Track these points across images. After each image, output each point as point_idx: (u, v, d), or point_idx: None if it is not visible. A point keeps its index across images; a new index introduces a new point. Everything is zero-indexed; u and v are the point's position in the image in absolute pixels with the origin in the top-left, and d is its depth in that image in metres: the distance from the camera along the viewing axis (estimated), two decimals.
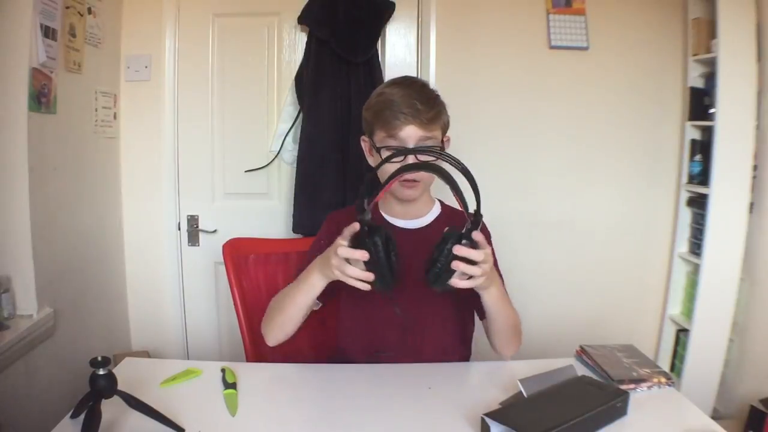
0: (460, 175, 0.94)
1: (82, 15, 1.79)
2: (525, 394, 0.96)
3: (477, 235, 0.94)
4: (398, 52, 2.14)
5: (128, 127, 2.14)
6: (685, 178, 2.18)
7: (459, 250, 0.92)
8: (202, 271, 2.23)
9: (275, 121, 2.15)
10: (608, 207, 2.25)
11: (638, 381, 1.09)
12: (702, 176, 2.08)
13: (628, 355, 1.20)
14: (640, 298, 2.31)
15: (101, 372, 0.88)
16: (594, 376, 1.11)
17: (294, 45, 2.13)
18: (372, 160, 1.24)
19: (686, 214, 2.20)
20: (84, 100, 1.87)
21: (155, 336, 2.24)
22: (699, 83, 2.13)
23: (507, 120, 2.18)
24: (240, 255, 1.52)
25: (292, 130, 2.11)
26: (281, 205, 2.19)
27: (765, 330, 1.97)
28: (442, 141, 1.23)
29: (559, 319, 2.21)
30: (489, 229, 1.31)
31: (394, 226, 1.27)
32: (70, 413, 0.94)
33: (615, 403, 0.96)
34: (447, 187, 0.96)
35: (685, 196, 2.19)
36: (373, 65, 2.04)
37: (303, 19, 2.03)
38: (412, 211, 1.28)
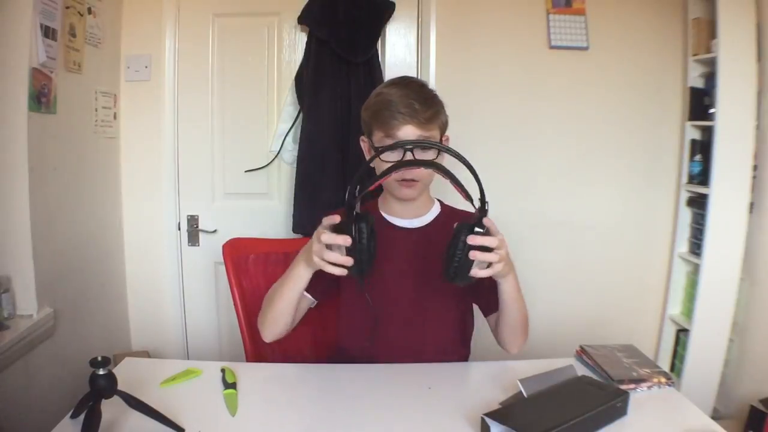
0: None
1: (82, 15, 1.79)
2: (525, 394, 0.96)
3: (488, 221, 0.95)
4: (398, 52, 2.14)
5: (128, 127, 2.14)
6: (685, 178, 2.18)
7: (473, 239, 0.93)
8: (202, 271, 2.23)
9: (275, 121, 2.15)
10: (608, 207, 2.25)
11: (638, 381, 1.09)
12: (702, 176, 2.08)
13: (628, 355, 1.20)
14: (640, 298, 2.31)
15: (101, 372, 0.88)
16: (594, 376, 1.11)
17: (294, 45, 2.13)
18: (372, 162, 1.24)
19: (686, 214, 2.20)
20: (84, 100, 1.87)
21: (155, 336, 2.23)
22: (699, 83, 2.13)
23: (507, 120, 2.17)
24: (240, 255, 1.52)
25: (292, 130, 2.11)
26: (281, 205, 2.19)
27: (765, 330, 1.97)
28: (441, 141, 1.23)
29: (559, 319, 2.21)
30: None
31: (394, 225, 1.27)
32: (70, 413, 0.94)
33: (615, 403, 0.96)
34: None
35: (685, 196, 2.19)
36: (373, 65, 2.04)
37: (303, 19, 2.03)
38: (411, 211, 1.28)
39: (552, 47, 2.14)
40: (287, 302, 1.14)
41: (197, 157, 2.17)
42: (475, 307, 1.32)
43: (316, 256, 0.99)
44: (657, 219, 2.27)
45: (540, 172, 2.21)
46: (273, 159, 2.14)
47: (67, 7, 1.69)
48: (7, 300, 1.50)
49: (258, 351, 1.42)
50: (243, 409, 1.00)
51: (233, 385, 1.06)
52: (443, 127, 1.24)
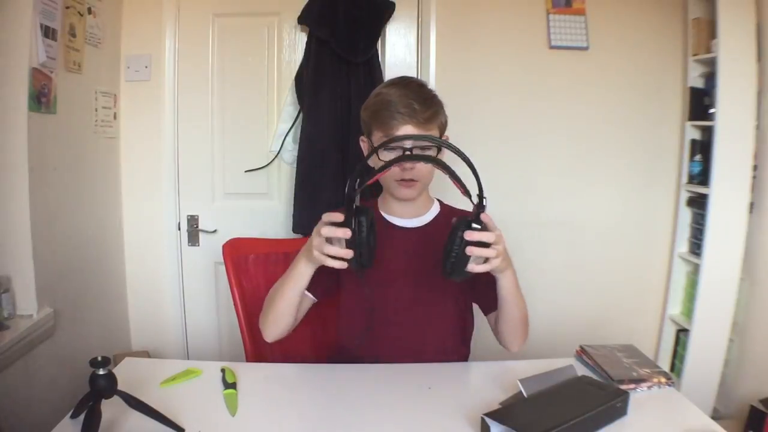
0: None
1: (82, 15, 1.79)
2: (525, 394, 0.96)
3: (485, 217, 0.95)
4: (398, 52, 2.14)
5: (128, 127, 2.14)
6: (685, 178, 2.18)
7: (470, 235, 0.93)
8: (202, 271, 2.23)
9: (275, 121, 2.15)
10: (608, 207, 2.25)
11: (638, 381, 1.09)
12: (702, 176, 2.08)
13: (628, 355, 1.20)
14: (640, 298, 2.31)
15: (101, 372, 0.88)
16: (594, 376, 1.11)
17: (294, 45, 2.13)
18: (371, 161, 1.24)
19: (686, 214, 2.20)
20: (84, 100, 1.87)
21: (155, 336, 2.23)
22: (699, 83, 2.13)
23: (507, 120, 2.17)
24: (240, 255, 1.52)
25: (292, 130, 2.11)
26: (281, 205, 2.19)
27: (765, 330, 1.97)
28: (438, 151, 1.23)
29: (559, 319, 2.21)
30: None
31: (394, 225, 1.27)
32: (70, 413, 0.94)
33: (615, 403, 0.96)
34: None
35: (685, 196, 2.19)
36: (373, 65, 2.04)
37: (303, 19, 2.03)
38: (411, 211, 1.28)
39: (552, 47, 2.14)
40: (289, 301, 1.14)
41: (197, 157, 2.17)
42: (475, 307, 1.32)
43: (316, 250, 0.99)
44: (657, 219, 2.27)
45: (540, 172, 2.21)
46: (273, 159, 2.14)
47: (67, 7, 1.69)
48: (7, 300, 1.50)
49: (258, 351, 1.42)
50: (243, 409, 1.00)
51: (233, 385, 1.06)
52: (442, 128, 1.24)
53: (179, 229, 2.21)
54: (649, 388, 1.09)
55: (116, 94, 2.08)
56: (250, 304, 1.47)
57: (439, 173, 1.02)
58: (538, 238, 2.22)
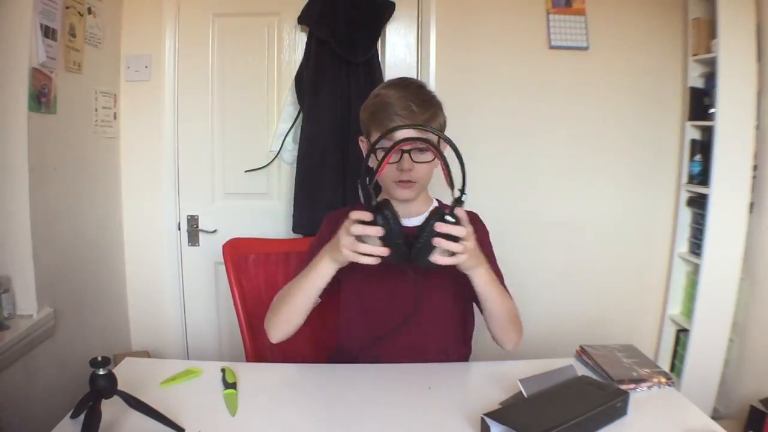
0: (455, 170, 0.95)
1: (82, 15, 1.79)
2: (525, 394, 0.96)
3: (460, 212, 0.96)
4: (398, 52, 2.14)
5: (128, 127, 2.14)
6: (685, 178, 2.18)
7: (440, 226, 0.94)
8: (202, 271, 2.23)
9: (275, 121, 2.15)
10: (608, 207, 2.26)
11: (638, 381, 1.09)
12: (702, 176, 2.08)
13: (628, 355, 1.20)
14: (640, 298, 2.31)
15: (101, 372, 0.88)
16: (594, 376, 1.11)
17: (294, 45, 2.13)
18: (370, 161, 1.24)
19: (686, 214, 2.20)
20: (84, 100, 1.87)
21: (155, 336, 2.23)
22: (699, 83, 2.13)
23: (507, 120, 2.17)
24: (240, 255, 1.52)
25: (292, 130, 2.11)
26: (281, 205, 2.19)
27: (765, 330, 1.97)
28: (438, 142, 1.23)
29: (559, 319, 2.21)
30: (487, 228, 1.31)
31: None
32: (70, 413, 0.94)
33: (615, 403, 0.96)
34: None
35: (685, 196, 2.19)
36: (373, 65, 2.04)
37: (303, 19, 2.03)
38: (410, 210, 1.28)
39: (552, 47, 2.14)
40: (305, 300, 1.13)
41: (197, 157, 2.17)
42: (475, 307, 1.32)
43: (347, 249, 0.99)
44: (657, 219, 2.27)
45: (540, 172, 2.21)
46: (273, 159, 2.14)
47: (67, 7, 1.69)
48: (7, 300, 1.50)
49: (258, 351, 1.42)
50: (243, 409, 1.00)
51: (233, 385, 1.06)
52: (441, 128, 1.24)
53: (179, 229, 2.21)
54: (649, 388, 1.09)
55: (116, 94, 2.08)
56: (250, 304, 1.47)
57: (438, 174, 1.03)
58: (538, 238, 2.22)
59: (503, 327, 1.20)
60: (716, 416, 2.03)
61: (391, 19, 2.08)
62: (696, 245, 2.11)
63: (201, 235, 2.21)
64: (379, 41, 2.09)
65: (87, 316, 1.88)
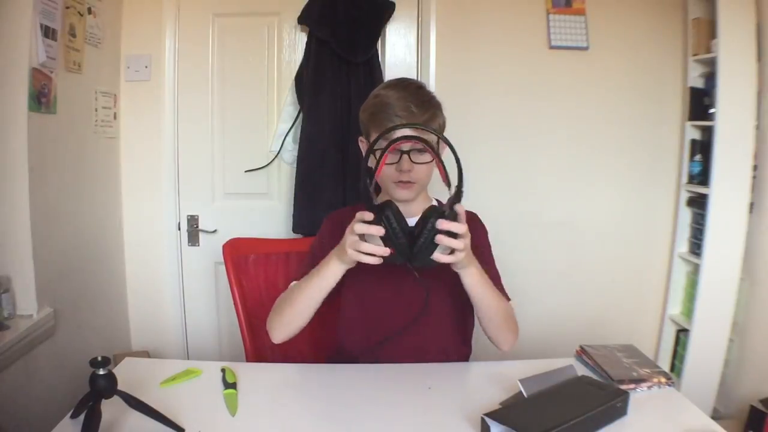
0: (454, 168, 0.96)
1: (82, 15, 1.79)
2: (525, 394, 0.96)
3: (459, 208, 0.97)
4: (398, 52, 2.14)
5: (128, 127, 2.14)
6: (685, 178, 2.18)
7: (442, 223, 0.94)
8: (202, 271, 2.23)
9: (275, 121, 2.15)
10: (608, 207, 2.26)
11: (638, 381, 1.09)
12: (702, 176, 2.08)
13: (628, 355, 1.20)
14: (640, 298, 2.31)
15: (101, 372, 0.88)
16: (594, 376, 1.11)
17: (294, 45, 2.13)
18: (369, 161, 1.25)
19: (686, 214, 2.20)
20: (84, 100, 1.87)
21: (155, 336, 2.23)
22: (699, 83, 2.13)
23: (507, 120, 2.17)
24: (240, 255, 1.52)
25: (292, 130, 2.11)
26: (281, 205, 2.19)
27: (765, 330, 1.97)
28: (438, 143, 1.23)
29: (559, 319, 2.21)
30: (486, 228, 1.31)
31: None
32: (70, 413, 0.94)
33: (615, 403, 0.96)
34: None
35: (685, 196, 2.19)
36: (373, 65, 2.04)
37: (303, 19, 2.03)
38: (410, 211, 1.28)
39: (552, 47, 2.14)
40: (312, 300, 1.13)
41: (197, 157, 2.17)
42: None
43: (350, 248, 0.99)
44: (657, 219, 2.27)
45: (540, 172, 2.21)
46: (273, 159, 2.14)
47: (67, 7, 1.69)
48: (7, 300, 1.50)
49: (258, 351, 1.42)
50: (243, 409, 1.00)
51: (233, 385, 1.06)
52: (441, 129, 1.24)
53: (179, 229, 2.21)
54: (649, 388, 1.09)
55: (116, 94, 2.08)
56: (250, 305, 1.47)
57: (437, 174, 1.03)
58: (537, 238, 2.22)
59: (497, 327, 1.20)
60: (716, 416, 2.03)
61: (391, 19, 2.08)
62: (696, 245, 2.11)
63: (201, 235, 2.21)
64: (379, 41, 2.09)
65: (87, 316, 1.88)
